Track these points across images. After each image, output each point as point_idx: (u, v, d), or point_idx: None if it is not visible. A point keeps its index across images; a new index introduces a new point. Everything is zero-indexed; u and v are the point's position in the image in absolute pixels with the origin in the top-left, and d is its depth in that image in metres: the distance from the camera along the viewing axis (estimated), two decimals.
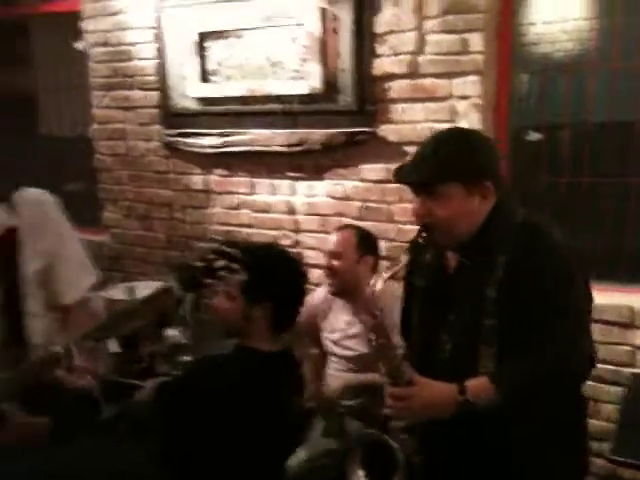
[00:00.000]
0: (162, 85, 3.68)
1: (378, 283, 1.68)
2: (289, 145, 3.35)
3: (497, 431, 1.66)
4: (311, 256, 3.34)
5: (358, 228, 2.83)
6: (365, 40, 3.04)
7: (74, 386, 1.65)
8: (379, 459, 1.77)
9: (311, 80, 3.18)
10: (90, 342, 1.60)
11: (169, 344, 2.77)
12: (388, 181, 3.08)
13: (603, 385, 2.81)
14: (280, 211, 3.50)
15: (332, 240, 2.74)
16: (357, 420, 2.45)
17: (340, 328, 2.76)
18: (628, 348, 2.78)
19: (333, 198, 3.33)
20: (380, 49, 3.03)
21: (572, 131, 3.04)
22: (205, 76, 3.51)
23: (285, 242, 3.42)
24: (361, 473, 1.80)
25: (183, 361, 2.77)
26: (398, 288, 2.00)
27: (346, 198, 3.29)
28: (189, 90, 3.57)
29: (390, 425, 1.80)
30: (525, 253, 1.62)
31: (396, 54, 3.00)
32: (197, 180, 3.72)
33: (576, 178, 2.99)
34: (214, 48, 3.47)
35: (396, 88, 3.04)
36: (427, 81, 2.96)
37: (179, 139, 3.68)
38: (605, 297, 2.75)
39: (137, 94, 3.81)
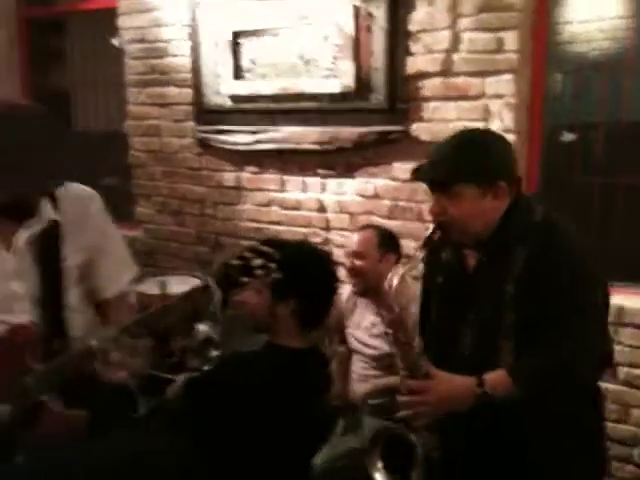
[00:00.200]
0: (196, 82, 3.71)
1: (394, 279, 1.74)
2: (320, 143, 3.36)
3: (514, 425, 1.68)
4: (340, 254, 3.35)
5: (379, 227, 2.85)
6: (399, 38, 3.04)
7: (110, 380, 1.67)
8: (398, 454, 1.79)
9: (344, 78, 3.18)
10: (128, 337, 1.62)
11: (200, 339, 2.80)
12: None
13: (633, 390, 2.77)
14: (310, 209, 3.51)
15: (354, 240, 2.77)
16: (382, 418, 2.46)
17: (365, 327, 2.77)
18: None
19: (363, 196, 3.33)
20: (414, 47, 3.02)
21: (606, 131, 3.00)
22: (239, 74, 3.54)
23: (315, 240, 3.43)
24: (380, 465, 1.83)
25: (213, 356, 2.81)
26: (417, 286, 2.03)
27: (376, 197, 3.30)
28: (223, 87, 3.59)
29: (411, 422, 1.80)
30: (543, 250, 1.65)
31: (430, 52, 2.99)
32: (229, 177, 3.76)
33: (610, 178, 2.96)
34: (248, 46, 3.50)
35: (429, 86, 3.03)
36: (460, 80, 2.94)
37: (212, 136, 3.71)
38: (636, 300, 2.71)
39: (172, 91, 3.85)
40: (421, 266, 1.95)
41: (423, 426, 1.77)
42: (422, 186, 3.07)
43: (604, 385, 2.69)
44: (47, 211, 1.77)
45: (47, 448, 1.64)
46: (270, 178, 3.61)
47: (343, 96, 3.23)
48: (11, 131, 1.61)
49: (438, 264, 1.87)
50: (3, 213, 1.73)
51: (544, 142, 3.02)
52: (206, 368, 2.65)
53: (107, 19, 4.13)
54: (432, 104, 3.03)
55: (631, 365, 2.76)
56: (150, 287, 3.10)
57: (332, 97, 3.27)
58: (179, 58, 3.78)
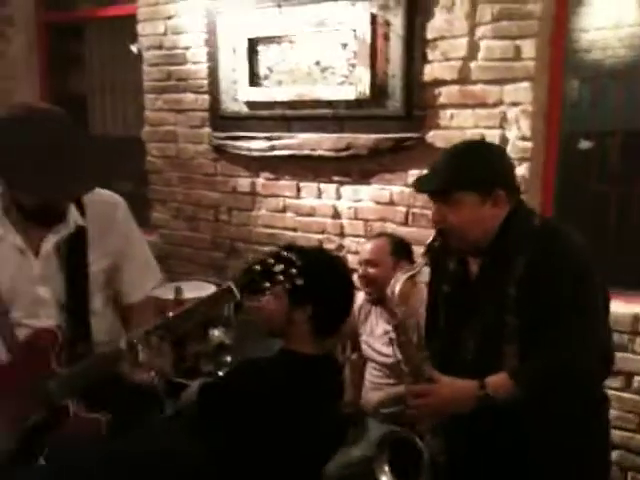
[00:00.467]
0: (213, 89, 3.73)
1: (397, 285, 1.81)
2: (336, 150, 3.36)
3: (515, 427, 1.70)
4: (355, 261, 3.34)
5: (392, 235, 2.85)
6: (416, 46, 3.04)
7: (136, 381, 1.68)
8: (406, 459, 1.82)
9: (360, 85, 3.19)
10: (155, 339, 1.63)
11: (213, 344, 2.81)
12: None
13: None
14: (325, 215, 3.51)
15: (366, 249, 2.77)
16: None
17: (378, 334, 2.76)
18: None
19: (378, 203, 3.33)
20: (431, 55, 3.02)
21: (623, 138, 2.98)
22: (255, 80, 3.56)
23: (329, 246, 3.43)
24: (387, 468, 1.87)
25: (226, 361, 2.81)
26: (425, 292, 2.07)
27: (391, 203, 3.29)
28: (239, 94, 3.61)
29: (417, 426, 1.85)
30: (544, 255, 1.69)
31: (447, 60, 2.98)
32: (244, 183, 3.76)
33: (627, 186, 2.93)
34: (265, 53, 3.51)
35: (446, 94, 3.02)
36: (478, 87, 2.94)
37: (228, 142, 3.73)
38: None
39: (189, 97, 3.87)
40: (427, 273, 2.01)
41: (427, 429, 1.82)
42: None
43: (618, 394, 2.70)
44: (74, 217, 1.79)
45: (68, 450, 1.65)
46: (285, 184, 3.62)
47: (359, 103, 3.23)
48: (41, 134, 1.62)
49: (445, 273, 1.92)
50: (32, 218, 1.74)
51: (561, 150, 3.00)
52: (220, 373, 2.66)
53: (125, 26, 4.17)
54: (449, 111, 3.03)
55: None
56: (165, 292, 3.13)
57: (348, 104, 3.28)
58: (196, 65, 3.80)
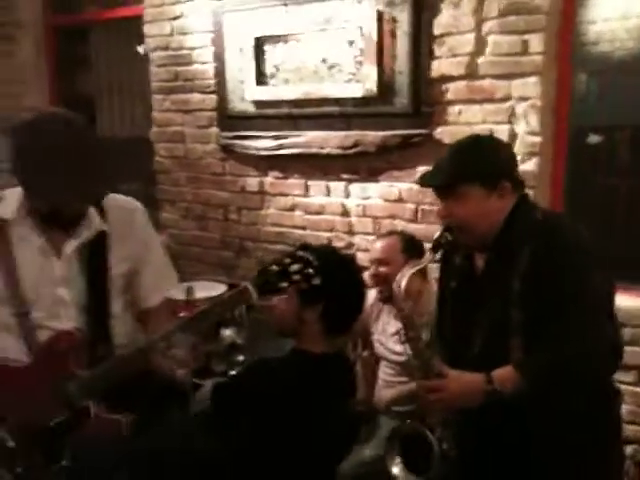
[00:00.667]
0: (220, 88, 3.73)
1: (403, 279, 1.82)
2: (344, 147, 3.36)
3: (521, 421, 1.72)
4: (364, 258, 3.34)
5: (403, 233, 2.84)
6: (422, 42, 3.03)
7: (172, 374, 1.70)
8: (416, 451, 1.84)
9: (367, 82, 3.18)
10: (175, 339, 1.65)
11: (225, 344, 2.82)
12: None
13: None
14: (334, 213, 3.51)
15: (377, 248, 2.76)
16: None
17: (390, 333, 2.76)
18: None
19: (387, 200, 3.33)
20: (438, 51, 3.01)
21: (632, 133, 2.97)
22: (262, 79, 3.56)
23: (338, 244, 3.43)
24: (398, 460, 1.88)
25: (238, 361, 2.82)
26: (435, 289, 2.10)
27: (400, 200, 3.28)
28: (246, 93, 3.61)
29: (427, 420, 1.86)
30: (547, 248, 1.70)
31: (454, 56, 2.97)
32: (252, 182, 3.77)
33: (636, 180, 2.92)
34: (272, 52, 3.51)
35: (453, 90, 3.01)
36: (486, 82, 2.93)
37: (236, 141, 3.73)
38: None
39: (196, 97, 3.88)
40: (436, 269, 2.02)
41: (438, 422, 1.83)
42: None
43: (631, 388, 2.69)
44: (96, 221, 1.81)
45: (89, 450, 1.67)
46: (293, 183, 3.62)
47: (366, 100, 3.22)
48: (50, 138, 1.65)
49: (452, 269, 1.94)
50: (48, 221, 1.77)
51: (570, 144, 2.98)
52: (232, 373, 2.66)
53: (131, 27, 4.18)
54: (457, 107, 3.02)
55: None
56: (176, 292, 3.14)
57: (355, 101, 3.27)
58: (203, 65, 3.81)
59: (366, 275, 2.74)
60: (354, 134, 3.31)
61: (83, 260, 1.81)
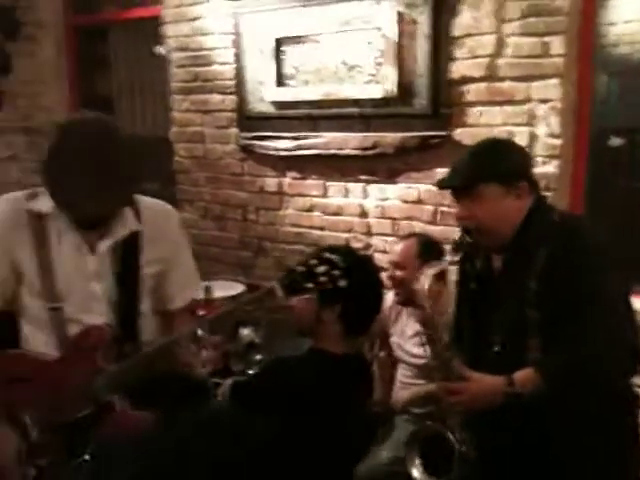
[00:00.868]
0: (239, 89, 3.75)
1: (425, 279, 1.84)
2: (362, 148, 3.37)
3: (540, 424, 1.72)
4: (382, 259, 3.34)
5: (422, 236, 2.82)
6: (442, 43, 3.03)
7: (197, 372, 1.73)
8: (436, 452, 1.83)
9: (386, 84, 3.19)
10: (201, 337, 1.67)
11: (243, 343, 2.83)
12: None
13: None
14: (352, 214, 3.52)
15: (395, 250, 2.77)
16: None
17: (409, 335, 2.76)
18: None
19: (405, 202, 3.33)
20: (458, 52, 3.01)
21: None
22: (282, 80, 3.57)
23: (356, 245, 3.43)
24: (418, 461, 1.87)
25: (256, 360, 2.83)
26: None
27: (418, 202, 3.28)
28: (266, 94, 3.63)
29: (447, 421, 1.86)
30: (564, 249, 1.71)
31: (474, 57, 2.97)
32: (271, 182, 3.78)
33: None
34: (291, 53, 3.52)
35: (473, 91, 3.01)
36: (505, 84, 2.92)
37: (255, 142, 3.75)
38: None
39: (215, 98, 3.90)
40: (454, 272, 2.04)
41: (458, 424, 1.83)
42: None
43: None
44: (130, 221, 1.84)
45: (113, 445, 1.69)
46: (312, 183, 3.63)
47: (386, 101, 3.23)
48: (76, 146, 1.68)
49: (471, 271, 1.94)
50: (83, 225, 1.79)
51: (590, 146, 2.97)
52: (250, 372, 2.68)
53: (150, 27, 4.21)
54: (476, 109, 3.01)
55: None
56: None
57: (374, 102, 3.27)
58: (223, 66, 3.82)
59: (385, 276, 2.75)
60: (373, 135, 3.32)
61: (116, 258, 1.84)
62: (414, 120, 3.18)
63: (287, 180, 3.72)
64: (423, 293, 1.84)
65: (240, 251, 3.99)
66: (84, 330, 1.80)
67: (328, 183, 3.57)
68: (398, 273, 2.70)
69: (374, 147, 3.32)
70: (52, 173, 1.69)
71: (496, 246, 1.85)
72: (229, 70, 3.79)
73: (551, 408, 1.70)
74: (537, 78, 2.84)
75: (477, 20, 2.94)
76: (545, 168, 2.81)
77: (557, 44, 2.78)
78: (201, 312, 1.86)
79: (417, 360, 2.70)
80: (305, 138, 3.55)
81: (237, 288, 3.52)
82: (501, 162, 1.82)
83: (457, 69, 3.03)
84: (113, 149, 1.72)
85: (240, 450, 1.91)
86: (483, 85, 2.98)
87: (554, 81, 2.81)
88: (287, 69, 3.56)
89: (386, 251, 3.36)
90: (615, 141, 3.03)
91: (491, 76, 2.95)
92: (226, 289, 3.41)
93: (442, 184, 1.94)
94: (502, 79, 2.93)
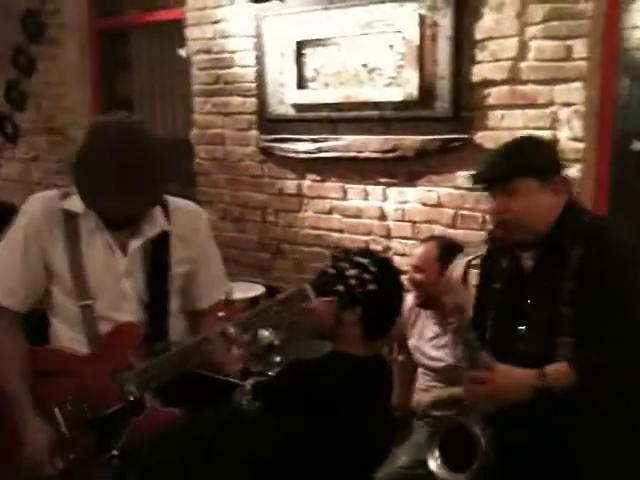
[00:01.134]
0: (260, 92, 3.76)
1: (458, 268, 1.85)
2: (382, 151, 3.37)
3: (569, 422, 1.70)
4: (401, 263, 3.34)
5: (442, 239, 2.82)
6: (464, 46, 3.02)
7: (225, 371, 1.74)
8: (457, 446, 1.82)
9: (407, 87, 3.18)
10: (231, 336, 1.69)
11: (263, 344, 2.84)
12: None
13: None
14: (371, 217, 3.52)
15: (415, 253, 2.78)
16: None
17: (428, 338, 2.75)
18: None
19: (425, 205, 3.32)
20: (480, 55, 3.00)
21: None
22: (302, 83, 3.58)
23: (376, 248, 3.43)
24: (437, 454, 1.86)
25: (276, 362, 2.84)
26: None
27: (439, 205, 3.27)
28: (286, 97, 3.64)
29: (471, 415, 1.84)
30: (599, 248, 1.71)
31: (496, 60, 2.96)
32: (290, 184, 3.79)
33: None
34: (312, 55, 3.53)
35: (495, 94, 3.00)
36: (528, 87, 2.91)
37: (275, 144, 3.76)
38: None
39: (236, 100, 3.92)
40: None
41: (482, 417, 1.81)
42: (485, 195, 3.09)
43: None
44: (160, 221, 1.86)
45: (143, 442, 1.71)
46: (331, 186, 3.63)
47: (406, 104, 3.22)
48: (105, 148, 1.71)
49: (496, 271, 1.94)
50: (120, 226, 1.82)
51: (613, 150, 2.95)
52: (270, 373, 2.68)
53: (172, 30, 4.24)
54: (498, 112, 3.00)
55: None
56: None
57: (395, 105, 3.27)
58: (244, 68, 3.84)
59: (405, 279, 2.75)
60: (393, 138, 3.32)
61: (146, 257, 1.86)
62: (435, 123, 3.17)
63: (307, 182, 3.73)
64: (457, 280, 1.84)
65: (259, 253, 4.00)
66: (116, 327, 1.82)
67: (348, 186, 3.57)
68: (418, 276, 2.70)
69: (394, 150, 3.32)
70: (82, 175, 1.71)
71: (529, 242, 1.84)
72: (250, 73, 3.81)
73: (581, 406, 1.68)
74: (560, 82, 2.83)
75: (499, 23, 2.93)
76: (568, 172, 2.79)
77: (580, 47, 2.76)
78: (220, 313, 1.87)
79: (434, 363, 2.69)
80: (325, 141, 3.55)
81: (256, 290, 3.53)
82: (535, 157, 1.84)
83: (479, 72, 3.02)
84: (142, 150, 1.74)
85: (261, 450, 1.91)
86: (505, 88, 2.97)
87: (577, 85, 2.80)
88: (308, 72, 3.57)
89: (405, 254, 3.36)
90: (638, 145, 3.00)
91: (513, 79, 2.94)
92: (245, 291, 3.42)
93: (479, 178, 1.94)
94: (524, 82, 2.91)
